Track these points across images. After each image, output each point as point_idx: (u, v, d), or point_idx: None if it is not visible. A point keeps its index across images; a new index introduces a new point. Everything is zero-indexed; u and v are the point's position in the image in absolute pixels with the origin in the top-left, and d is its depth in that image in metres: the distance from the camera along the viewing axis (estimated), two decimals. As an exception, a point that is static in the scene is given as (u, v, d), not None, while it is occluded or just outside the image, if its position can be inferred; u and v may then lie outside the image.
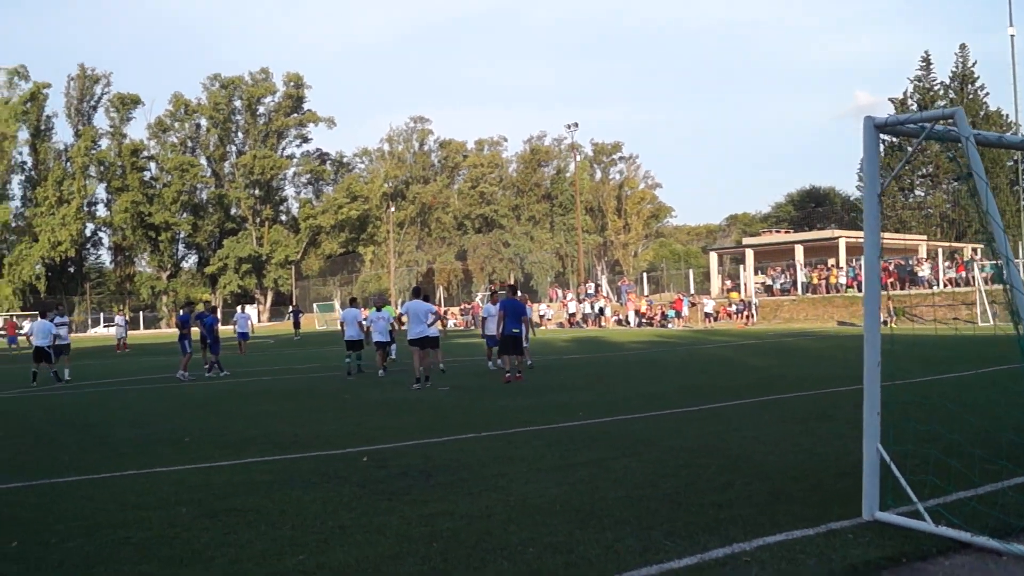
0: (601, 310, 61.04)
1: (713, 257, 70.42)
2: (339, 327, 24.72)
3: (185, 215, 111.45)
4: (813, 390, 16.52)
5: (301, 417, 15.07)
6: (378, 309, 24.57)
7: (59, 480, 9.80)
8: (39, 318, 26.52)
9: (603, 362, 26.53)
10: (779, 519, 7.05)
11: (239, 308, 53.47)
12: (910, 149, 7.38)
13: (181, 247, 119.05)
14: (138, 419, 15.52)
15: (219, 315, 26.90)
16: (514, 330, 20.10)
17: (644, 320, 58.40)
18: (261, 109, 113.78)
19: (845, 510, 7.18)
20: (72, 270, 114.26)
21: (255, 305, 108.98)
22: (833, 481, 8.44)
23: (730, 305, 56.65)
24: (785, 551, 6.23)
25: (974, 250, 64.29)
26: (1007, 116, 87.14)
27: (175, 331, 26.35)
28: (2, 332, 68.39)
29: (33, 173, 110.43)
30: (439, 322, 21.78)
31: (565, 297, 67.83)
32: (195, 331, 25.16)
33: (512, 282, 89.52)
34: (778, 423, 12.43)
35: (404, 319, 20.74)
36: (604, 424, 12.89)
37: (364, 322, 24.90)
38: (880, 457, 7.04)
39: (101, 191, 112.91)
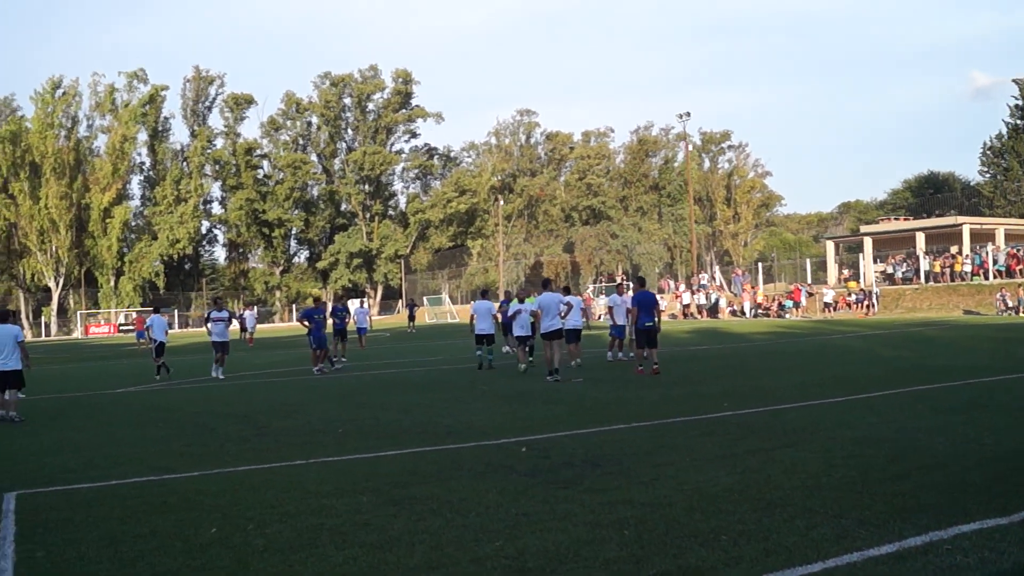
0: (717, 301, 60.46)
1: (829, 246, 69.21)
2: (469, 320, 23.77)
3: (297, 211, 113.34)
4: (959, 380, 16.32)
5: (448, 408, 15.36)
6: (520, 301, 23.86)
7: (233, 469, 10.20)
8: (153, 314, 27.15)
9: (730, 353, 26.40)
10: (969, 508, 7.04)
11: (359, 302, 54.22)
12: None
13: (293, 243, 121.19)
14: (288, 410, 15.98)
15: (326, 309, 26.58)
16: (647, 323, 20.10)
17: (760, 311, 57.76)
18: (370, 106, 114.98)
19: (1035, 500, 7.14)
20: (188, 267, 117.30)
21: (365, 299, 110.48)
22: (1010, 472, 8.39)
23: (849, 295, 55.61)
24: (985, 540, 6.23)
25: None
26: None
27: (290, 326, 26.65)
28: (130, 328, 70.62)
29: (151, 173, 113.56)
30: (583, 313, 22.04)
31: (677, 288, 67.36)
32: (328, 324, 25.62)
33: (620, 275, 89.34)
34: (935, 414, 12.34)
35: (538, 312, 20.71)
36: (753, 415, 12.92)
37: (497, 315, 24.96)
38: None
39: (216, 189, 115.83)
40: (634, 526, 6.89)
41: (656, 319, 20.45)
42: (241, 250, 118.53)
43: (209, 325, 25.11)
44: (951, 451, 9.50)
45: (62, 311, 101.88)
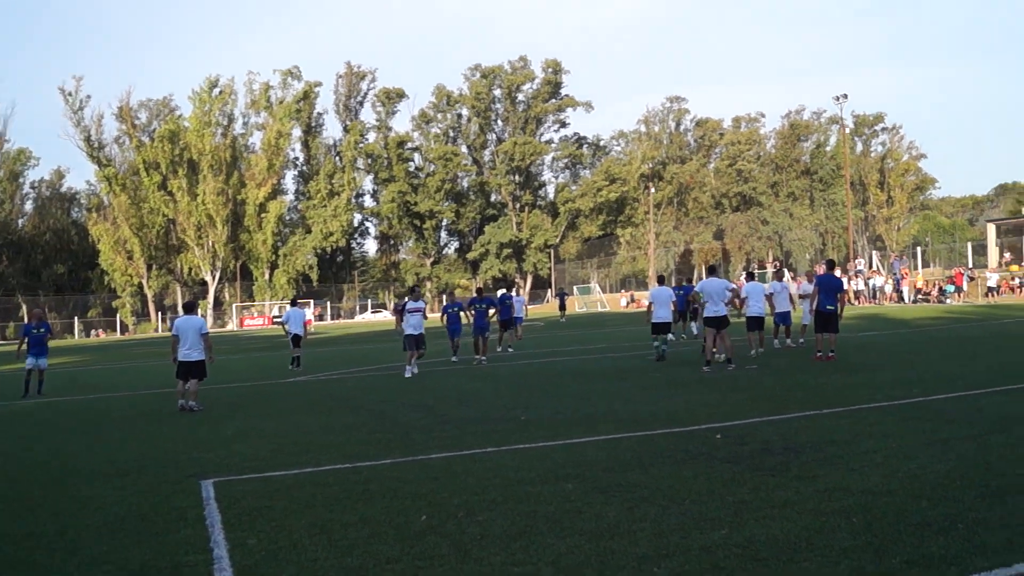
0: (877, 286, 58.74)
1: (991, 228, 66.68)
2: (647, 308, 22.57)
3: (448, 203, 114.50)
4: None
5: (626, 395, 15.22)
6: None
7: (426, 457, 10.23)
8: (290, 307, 27.51)
9: (901, 339, 25.55)
10: None
11: (512, 292, 54.55)
12: None
13: (443, 234, 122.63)
14: (464, 399, 16.08)
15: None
16: (828, 307, 19.44)
17: (920, 296, 55.92)
18: (520, 96, 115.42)
19: None
20: (340, 259, 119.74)
21: (514, 289, 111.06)
22: None
23: (1013, 279, 53.47)
24: None
25: None
26: None
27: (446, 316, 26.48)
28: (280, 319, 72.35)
29: (305, 168, 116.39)
30: (735, 301, 21.42)
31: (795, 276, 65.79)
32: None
33: (773, 262, 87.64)
34: None
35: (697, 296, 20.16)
36: (948, 400, 12.46)
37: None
38: None
39: (368, 183, 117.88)
40: (861, 514, 6.66)
41: (839, 304, 19.82)
42: (392, 242, 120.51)
43: (405, 317, 22.36)
44: None
45: (217, 304, 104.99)
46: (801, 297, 24.76)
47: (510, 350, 27.84)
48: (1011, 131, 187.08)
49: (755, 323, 21.76)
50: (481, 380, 19.46)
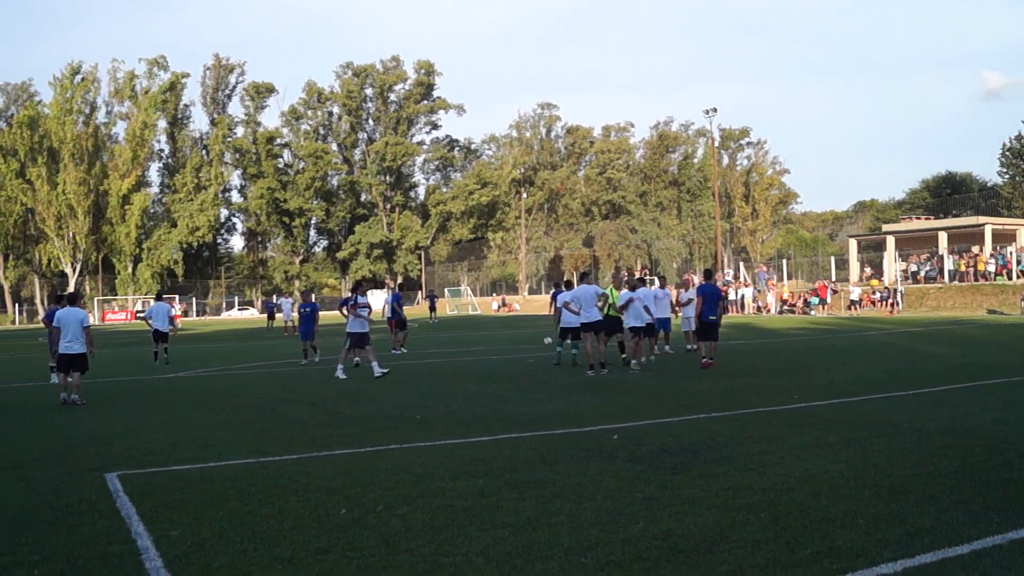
0: (743, 297, 60.49)
1: (852, 244, 69.22)
2: (559, 308, 21.18)
3: (317, 201, 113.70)
4: (1017, 376, 16.53)
5: (517, 397, 15.52)
6: (632, 288, 20.90)
7: (330, 453, 10.34)
8: (154, 302, 27.15)
9: (773, 348, 26.54)
10: None
11: (388, 291, 54.42)
12: None
13: (313, 232, 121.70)
14: (354, 397, 16.15)
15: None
16: (711, 316, 20.10)
17: (786, 307, 57.85)
18: (392, 96, 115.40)
19: None
20: (206, 255, 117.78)
21: (384, 290, 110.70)
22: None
23: (874, 292, 55.79)
24: None
25: None
26: None
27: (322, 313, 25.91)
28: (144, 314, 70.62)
29: (171, 161, 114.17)
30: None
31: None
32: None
33: (641, 270, 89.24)
34: (1009, 407, 12.58)
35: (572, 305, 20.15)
36: (828, 407, 13.08)
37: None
38: None
39: (236, 178, 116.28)
40: (767, 510, 7.07)
41: (719, 313, 20.53)
42: (260, 239, 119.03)
43: (349, 310, 20.67)
44: (1041, 443, 9.72)
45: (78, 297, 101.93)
46: (681, 305, 25.41)
47: (404, 350, 27.74)
48: (869, 151, 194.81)
49: (644, 330, 20.91)
50: (366, 380, 19.48)
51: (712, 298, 20.31)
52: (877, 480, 8.02)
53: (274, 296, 76.45)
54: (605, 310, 20.35)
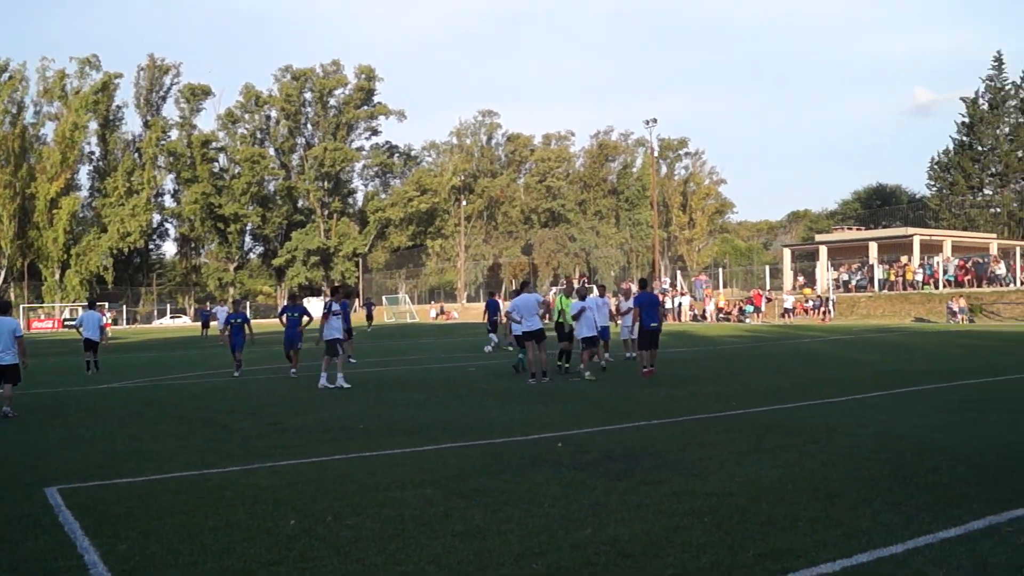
0: (680, 305, 61.12)
1: (786, 253, 70.28)
2: (506, 317, 21.60)
3: (253, 207, 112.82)
4: (944, 383, 17.14)
5: (459, 406, 15.67)
6: (582, 298, 20.53)
7: (275, 464, 10.35)
8: (84, 310, 26.67)
9: (710, 356, 26.90)
10: (1014, 496, 7.64)
11: (337, 301, 53.96)
12: None
13: (248, 238, 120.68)
14: (296, 407, 16.15)
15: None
16: (652, 324, 20.36)
17: (722, 315, 58.63)
18: (332, 101, 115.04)
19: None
20: (138, 261, 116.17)
21: (320, 297, 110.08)
22: (1030, 464, 9.01)
23: (807, 301, 56.74)
24: None
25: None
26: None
27: (257, 322, 25.48)
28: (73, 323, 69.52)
29: (102, 163, 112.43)
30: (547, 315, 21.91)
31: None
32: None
33: (580, 277, 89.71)
34: (936, 412, 13.05)
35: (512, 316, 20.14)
36: (765, 413, 13.44)
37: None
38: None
39: (169, 182, 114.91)
40: (710, 514, 7.29)
41: (659, 321, 20.78)
42: (193, 245, 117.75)
43: (328, 320, 20.18)
44: (970, 447, 10.10)
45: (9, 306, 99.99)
46: (621, 313, 25.61)
47: (352, 360, 27.39)
48: (803, 163, 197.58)
49: (589, 341, 20.44)
50: (304, 390, 19.42)
51: (650, 306, 20.58)
52: (814, 484, 8.30)
53: (208, 304, 75.81)
54: (556, 318, 20.56)
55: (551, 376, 19.63)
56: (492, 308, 31.83)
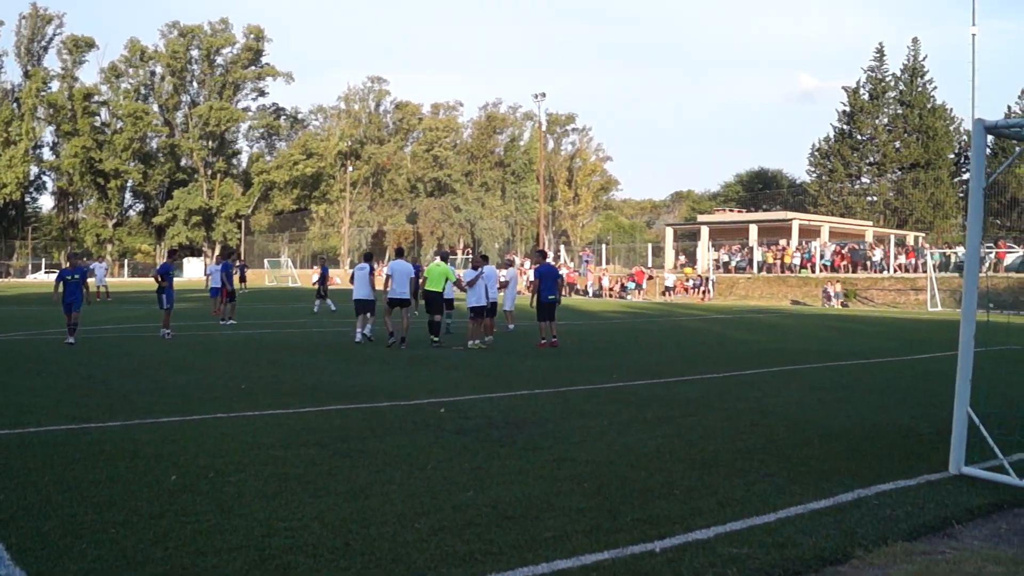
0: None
1: (668, 232, 71.42)
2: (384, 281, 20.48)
3: (135, 163, 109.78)
4: (818, 363, 17.70)
5: (344, 369, 15.69)
6: (475, 268, 21.23)
7: (156, 420, 10.24)
8: None
9: (593, 330, 27.27)
10: (881, 471, 7.94)
11: (210, 261, 53.09)
12: (1017, 150, 8.05)
13: (129, 195, 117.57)
14: (177, 366, 15.96)
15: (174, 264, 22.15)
16: (550, 296, 20.46)
17: (602, 291, 59.32)
18: (219, 60, 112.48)
19: (931, 465, 8.13)
20: (13, 214, 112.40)
21: (201, 258, 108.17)
22: (902, 442, 9.41)
23: (687, 280, 57.67)
24: (902, 497, 7.16)
25: (916, 238, 66.62)
26: (951, 110, 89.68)
27: (124, 281, 25.01)
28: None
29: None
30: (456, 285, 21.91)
31: (523, 264, 68.17)
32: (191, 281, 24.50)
33: (463, 248, 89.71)
34: (809, 390, 13.47)
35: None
36: (645, 386, 13.73)
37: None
38: (968, 418, 7.75)
39: (49, 134, 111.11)
40: (590, 481, 7.44)
41: (558, 293, 20.98)
42: (72, 199, 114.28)
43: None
44: (842, 424, 10.47)
45: None
46: (503, 285, 25.58)
47: (229, 322, 26.97)
48: (688, 143, 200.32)
49: (477, 311, 20.42)
50: (186, 348, 19.24)
51: (550, 278, 20.70)
52: (691, 455, 8.52)
53: (85, 259, 73.85)
54: (439, 287, 20.37)
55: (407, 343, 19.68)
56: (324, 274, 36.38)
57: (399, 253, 21.53)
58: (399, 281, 19.86)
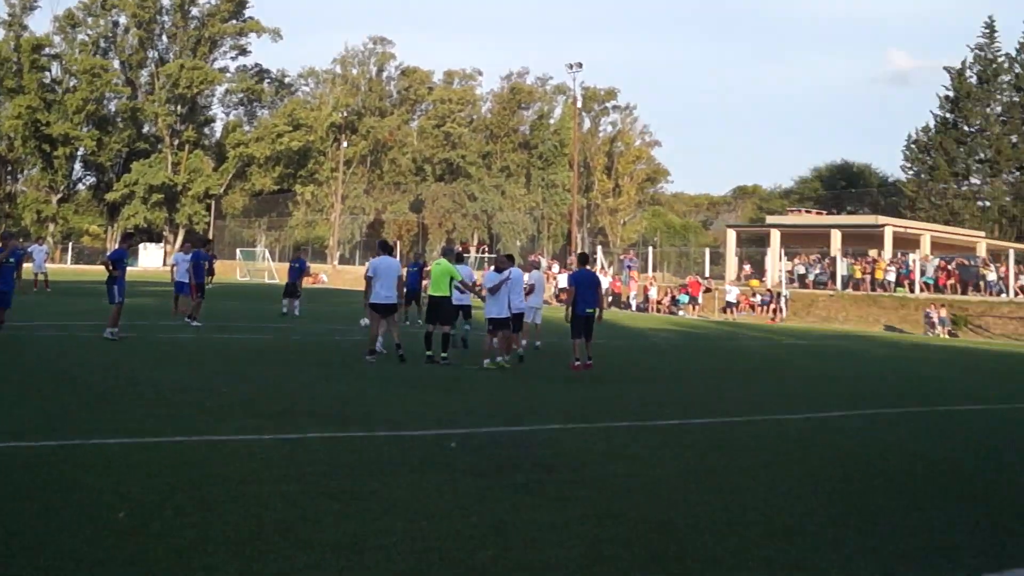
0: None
1: (731, 235, 70.68)
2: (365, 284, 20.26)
3: (88, 128, 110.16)
4: (928, 406, 17.29)
5: (332, 387, 15.53)
6: (498, 270, 20.83)
7: (102, 441, 10.08)
8: None
9: (638, 351, 27.14)
10: (1015, 551, 7.71)
11: (173, 248, 53.04)
12: None
13: (79, 166, 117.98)
14: (127, 375, 15.78)
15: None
16: (588, 310, 19.95)
17: (651, 304, 58.94)
18: (194, 11, 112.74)
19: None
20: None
21: (161, 244, 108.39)
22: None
23: (753, 295, 57.10)
24: None
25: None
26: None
27: (68, 268, 24.76)
28: None
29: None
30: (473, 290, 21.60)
31: (550, 268, 67.76)
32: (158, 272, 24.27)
33: (476, 244, 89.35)
34: (917, 439, 13.16)
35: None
36: (705, 427, 13.54)
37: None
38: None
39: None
40: (639, 544, 7.19)
41: (599, 305, 20.47)
42: (10, 168, 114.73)
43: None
44: (960, 485, 10.24)
45: None
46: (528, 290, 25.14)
47: (194, 323, 27.03)
48: (755, 130, 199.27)
49: (497, 323, 20.04)
50: (138, 353, 19.09)
51: (589, 287, 20.26)
52: (769, 517, 8.24)
53: (22, 240, 74.03)
54: (445, 290, 20.04)
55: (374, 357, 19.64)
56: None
57: (384, 248, 21.21)
58: (385, 283, 19.63)
